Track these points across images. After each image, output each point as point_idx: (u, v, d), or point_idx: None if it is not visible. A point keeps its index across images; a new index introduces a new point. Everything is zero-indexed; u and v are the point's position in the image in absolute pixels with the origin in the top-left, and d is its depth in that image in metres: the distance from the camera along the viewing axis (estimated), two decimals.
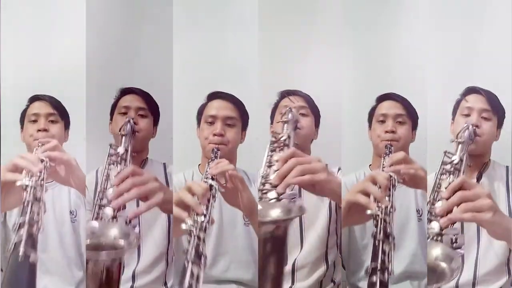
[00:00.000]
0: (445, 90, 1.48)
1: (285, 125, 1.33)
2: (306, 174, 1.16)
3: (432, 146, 1.41)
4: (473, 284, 1.42)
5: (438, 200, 1.21)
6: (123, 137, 1.37)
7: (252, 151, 1.50)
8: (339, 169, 1.49)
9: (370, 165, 1.55)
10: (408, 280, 1.50)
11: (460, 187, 1.17)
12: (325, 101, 1.48)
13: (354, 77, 1.51)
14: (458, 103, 1.46)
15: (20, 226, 1.10)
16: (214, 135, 1.47)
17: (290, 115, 1.35)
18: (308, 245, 1.50)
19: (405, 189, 1.43)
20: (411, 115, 1.51)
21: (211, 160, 1.39)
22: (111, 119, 1.52)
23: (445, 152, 1.31)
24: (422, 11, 1.46)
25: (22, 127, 1.51)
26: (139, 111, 1.50)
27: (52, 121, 1.49)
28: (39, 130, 1.47)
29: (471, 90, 1.44)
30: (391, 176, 1.24)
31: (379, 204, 1.17)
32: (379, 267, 1.09)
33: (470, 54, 1.49)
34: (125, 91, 1.51)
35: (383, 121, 1.51)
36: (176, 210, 1.18)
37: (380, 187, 1.19)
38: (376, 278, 1.08)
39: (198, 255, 1.10)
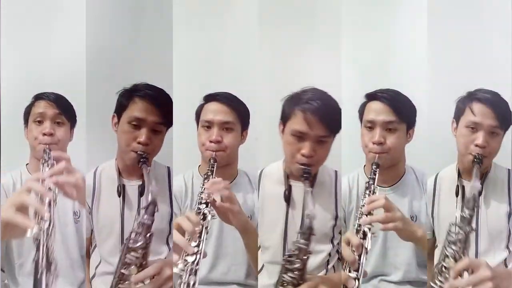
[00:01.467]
0: (445, 89, 1.43)
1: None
2: None
3: (432, 146, 1.39)
4: None
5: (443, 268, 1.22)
6: (138, 235, 1.23)
7: (252, 151, 1.49)
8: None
9: (364, 165, 1.50)
10: (408, 286, 1.47)
11: (466, 268, 1.18)
12: None
13: (354, 76, 1.48)
14: (463, 103, 1.40)
15: None
16: (211, 142, 1.43)
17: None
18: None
19: (398, 196, 1.44)
20: (403, 118, 1.40)
21: (206, 176, 1.37)
22: (118, 117, 1.44)
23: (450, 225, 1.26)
24: (422, 9, 1.42)
25: (26, 124, 1.49)
26: (155, 127, 1.42)
27: (57, 123, 1.47)
28: (44, 134, 1.45)
29: (476, 99, 1.37)
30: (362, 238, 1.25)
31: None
32: None
33: (470, 53, 1.45)
34: (136, 92, 1.42)
35: (371, 127, 1.42)
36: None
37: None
38: None
39: None
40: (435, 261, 1.30)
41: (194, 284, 1.17)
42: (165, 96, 1.43)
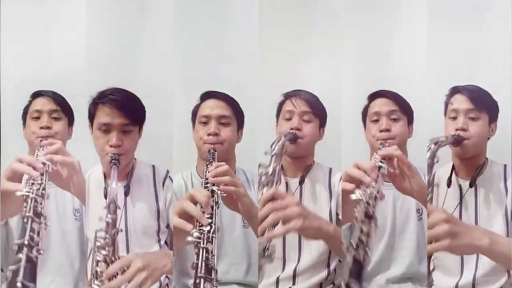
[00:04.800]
0: (444, 89, 1.45)
1: (273, 157, 1.33)
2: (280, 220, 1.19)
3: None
4: (473, 285, 1.40)
5: None
6: (105, 233, 1.25)
7: (252, 151, 1.49)
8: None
9: None
10: (409, 282, 1.47)
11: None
12: (324, 100, 1.48)
13: (354, 77, 1.49)
14: (447, 99, 1.45)
15: (19, 249, 1.03)
16: (209, 134, 1.45)
17: (276, 148, 1.34)
18: (309, 252, 1.49)
19: None
20: (405, 110, 1.47)
21: (209, 162, 1.37)
22: (91, 124, 1.44)
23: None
24: (421, 10, 1.45)
25: (24, 124, 1.49)
26: (123, 128, 1.42)
27: (55, 118, 1.48)
28: (41, 128, 1.46)
29: (454, 91, 1.43)
30: (380, 167, 1.25)
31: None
32: None
33: (468, 52, 1.48)
34: (100, 99, 1.42)
35: (376, 120, 1.47)
36: (179, 221, 1.17)
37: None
38: None
39: (208, 269, 1.12)
40: None
41: (212, 250, 1.15)
42: (130, 97, 1.45)
